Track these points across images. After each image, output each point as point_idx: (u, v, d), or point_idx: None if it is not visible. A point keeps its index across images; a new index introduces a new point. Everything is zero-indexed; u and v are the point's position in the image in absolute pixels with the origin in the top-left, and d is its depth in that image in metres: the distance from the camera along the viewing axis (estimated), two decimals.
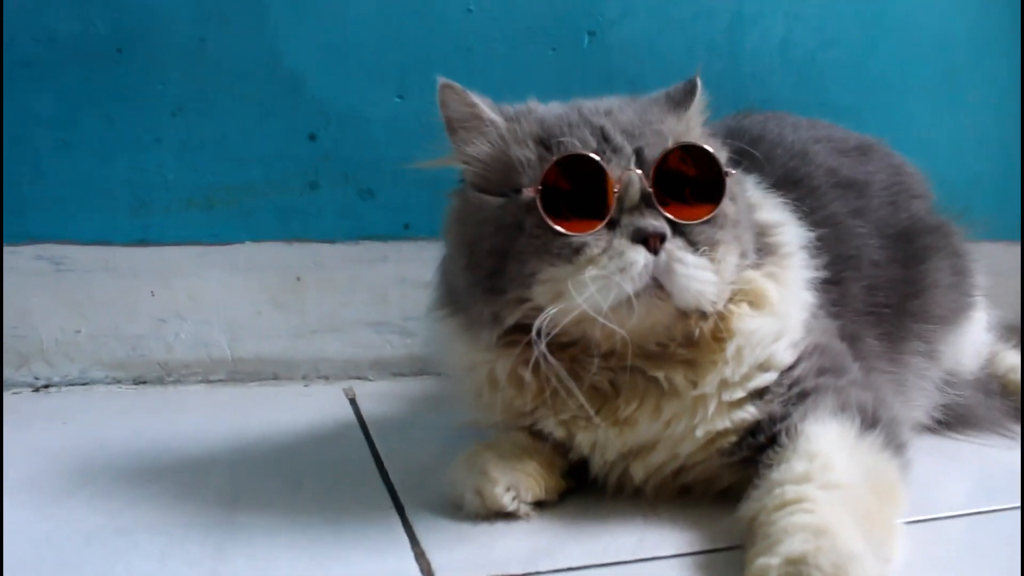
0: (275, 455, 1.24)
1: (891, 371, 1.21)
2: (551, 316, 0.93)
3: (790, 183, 1.23)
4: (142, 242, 1.54)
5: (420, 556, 0.92)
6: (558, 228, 0.93)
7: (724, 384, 1.00)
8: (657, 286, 0.93)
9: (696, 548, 0.94)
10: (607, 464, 1.04)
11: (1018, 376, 1.46)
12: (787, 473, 0.90)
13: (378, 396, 1.54)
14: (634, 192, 0.95)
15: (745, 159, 1.19)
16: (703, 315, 0.98)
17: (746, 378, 1.00)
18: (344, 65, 1.57)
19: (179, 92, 1.52)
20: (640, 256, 0.92)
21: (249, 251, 1.58)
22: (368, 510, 1.04)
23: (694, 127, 1.08)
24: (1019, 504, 1.05)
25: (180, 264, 1.55)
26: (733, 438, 1.00)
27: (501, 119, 1.03)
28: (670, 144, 0.97)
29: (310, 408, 1.47)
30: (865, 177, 1.33)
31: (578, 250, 0.93)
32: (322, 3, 1.55)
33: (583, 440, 1.03)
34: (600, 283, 0.91)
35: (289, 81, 1.56)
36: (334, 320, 1.61)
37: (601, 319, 0.92)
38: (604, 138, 0.98)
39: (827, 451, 0.92)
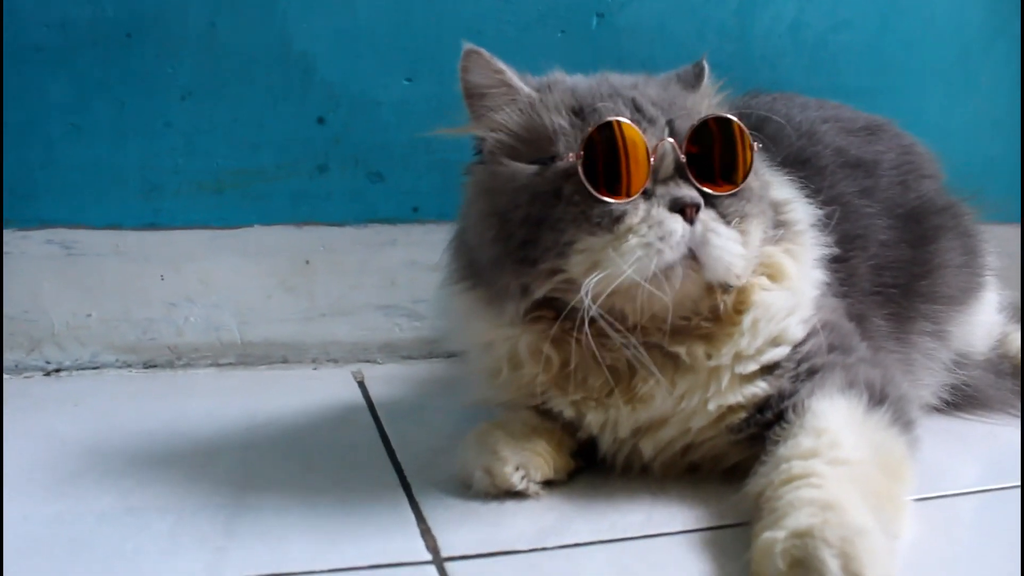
0: (284, 438, 1.25)
1: (898, 351, 1.21)
2: (592, 285, 0.92)
3: (798, 162, 1.23)
4: (152, 226, 1.54)
5: (426, 533, 0.93)
6: (600, 196, 0.93)
7: (738, 356, 1.00)
8: (691, 257, 0.94)
9: (703, 524, 0.94)
10: (617, 442, 1.05)
11: None
12: (794, 449, 0.91)
13: (387, 379, 1.54)
14: (669, 162, 0.97)
15: (759, 141, 1.20)
16: (727, 289, 0.99)
17: (760, 351, 1.01)
18: (354, 49, 1.57)
19: (189, 76, 1.52)
20: (678, 225, 0.93)
21: (259, 235, 1.58)
22: (376, 490, 1.05)
23: (710, 105, 1.09)
24: (1020, 483, 1.06)
25: (190, 248, 1.55)
26: (743, 414, 1.00)
27: (529, 87, 1.03)
28: (701, 115, 0.99)
29: (319, 391, 1.47)
30: (874, 157, 1.33)
31: (618, 219, 0.93)
32: None
33: (593, 420, 1.03)
34: (642, 251, 0.92)
35: (299, 65, 1.55)
36: (343, 303, 1.61)
37: (646, 285, 0.92)
38: (637, 108, 0.99)
39: (834, 427, 0.92)
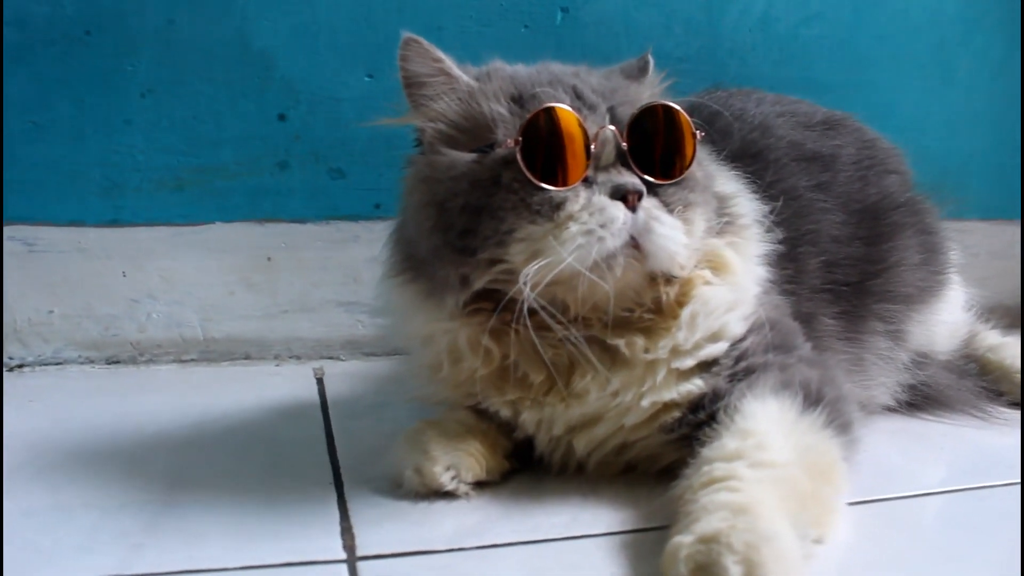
0: (230, 434, 1.25)
1: (848, 351, 1.19)
2: (532, 274, 0.91)
3: (748, 156, 1.21)
4: (114, 223, 1.55)
5: (346, 532, 0.93)
6: (539, 183, 0.92)
7: (676, 351, 0.99)
8: (633, 246, 0.93)
9: (628, 527, 0.93)
10: (552, 441, 1.04)
11: (997, 356, 1.43)
12: (718, 451, 0.89)
13: (347, 376, 1.55)
14: (610, 149, 0.96)
15: (704, 131, 1.19)
16: (671, 280, 0.98)
17: (697, 346, 0.99)
18: (314, 45, 1.57)
19: (149, 74, 1.53)
20: (620, 212, 0.92)
21: (220, 232, 1.58)
22: (307, 488, 1.05)
23: (653, 96, 1.08)
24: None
25: (152, 245, 1.56)
26: (677, 413, 0.99)
27: (468, 75, 1.02)
28: (642, 104, 0.98)
29: (278, 387, 1.48)
30: (831, 151, 1.31)
31: (558, 206, 0.92)
32: None
33: (528, 419, 1.02)
34: (583, 238, 0.90)
35: (258, 62, 1.56)
36: (305, 300, 1.61)
37: (587, 274, 0.90)
38: (577, 96, 0.99)
39: (763, 429, 0.91)
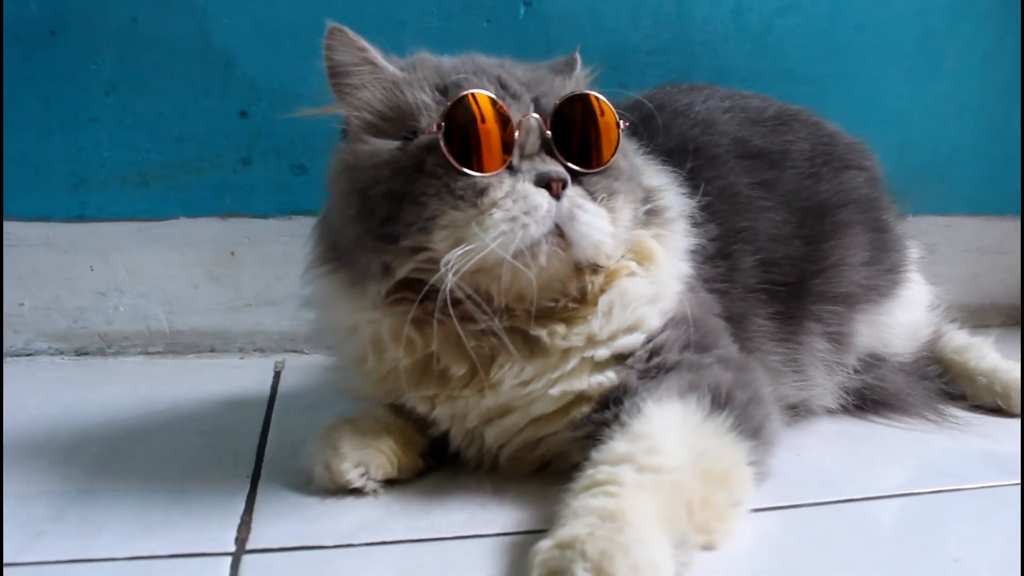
0: (172, 424, 1.28)
1: (782, 352, 1.17)
2: (455, 260, 0.90)
3: (686, 152, 1.19)
4: (80, 218, 1.59)
5: (244, 525, 0.94)
6: (462, 169, 0.93)
7: (591, 340, 0.98)
8: (558, 234, 0.93)
9: (523, 528, 0.93)
10: (467, 435, 1.04)
11: (961, 358, 1.39)
12: (607, 453, 0.89)
13: (307, 369, 1.57)
14: (534, 138, 0.97)
15: (643, 127, 1.17)
16: (596, 269, 0.98)
17: (612, 336, 0.99)
18: (274, 42, 1.58)
19: (113, 72, 1.56)
20: (544, 200, 0.92)
21: (184, 226, 1.61)
22: (223, 480, 1.06)
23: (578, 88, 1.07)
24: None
25: (118, 239, 1.60)
26: (586, 408, 0.98)
27: (394, 66, 1.03)
28: (565, 93, 0.98)
29: (237, 380, 1.51)
30: (781, 147, 1.28)
31: (482, 192, 0.93)
32: None
33: (442, 413, 1.02)
34: (507, 225, 0.91)
35: (220, 59, 1.58)
36: (269, 294, 1.63)
37: (511, 261, 0.91)
38: (502, 85, 0.99)
39: (656, 433, 0.90)
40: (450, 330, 0.96)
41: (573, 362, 0.98)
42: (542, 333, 0.98)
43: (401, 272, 0.96)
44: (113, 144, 1.58)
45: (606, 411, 0.97)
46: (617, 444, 0.89)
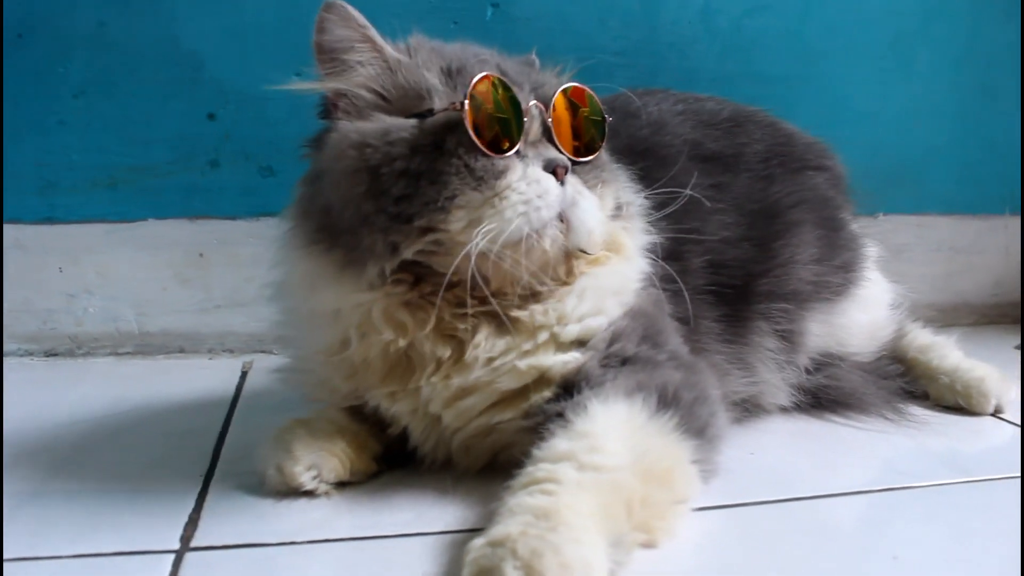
0: (132, 425, 1.29)
1: (728, 351, 1.17)
2: (481, 241, 0.91)
3: (635, 153, 1.19)
4: (50, 220, 1.60)
5: (191, 524, 0.95)
6: (485, 150, 0.94)
7: (561, 318, 1.00)
8: (560, 219, 0.95)
9: (466, 526, 0.93)
10: (426, 428, 1.03)
11: (924, 357, 1.39)
12: (548, 451, 0.89)
13: (274, 370, 1.57)
14: (537, 125, 0.99)
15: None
16: (580, 256, 1.01)
17: (581, 317, 1.00)
18: (242, 45, 1.59)
19: (81, 75, 1.57)
20: (553, 185, 0.95)
21: (153, 228, 1.62)
22: (177, 479, 1.07)
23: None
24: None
25: (87, 241, 1.61)
26: (546, 392, 0.99)
27: (393, 46, 1.02)
28: (564, 84, 1.01)
29: (204, 381, 1.51)
30: (734, 150, 1.29)
31: (500, 174, 0.94)
32: None
33: (402, 408, 1.02)
34: (523, 207, 0.92)
35: (188, 62, 1.59)
36: (238, 295, 1.64)
37: (532, 241, 0.93)
38: (503, 73, 1.00)
39: (599, 431, 0.90)
40: (441, 313, 0.97)
41: (543, 337, 0.99)
42: (523, 315, 0.99)
43: (408, 252, 0.95)
44: (82, 147, 1.59)
45: (560, 401, 0.98)
46: (559, 442, 0.89)
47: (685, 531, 0.91)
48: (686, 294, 1.13)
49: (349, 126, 0.98)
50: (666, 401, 0.96)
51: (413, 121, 0.96)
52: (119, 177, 1.60)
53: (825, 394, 1.29)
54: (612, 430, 0.90)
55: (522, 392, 0.99)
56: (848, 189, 1.42)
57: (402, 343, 0.99)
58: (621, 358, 1.00)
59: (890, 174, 1.84)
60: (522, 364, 0.98)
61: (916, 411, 1.31)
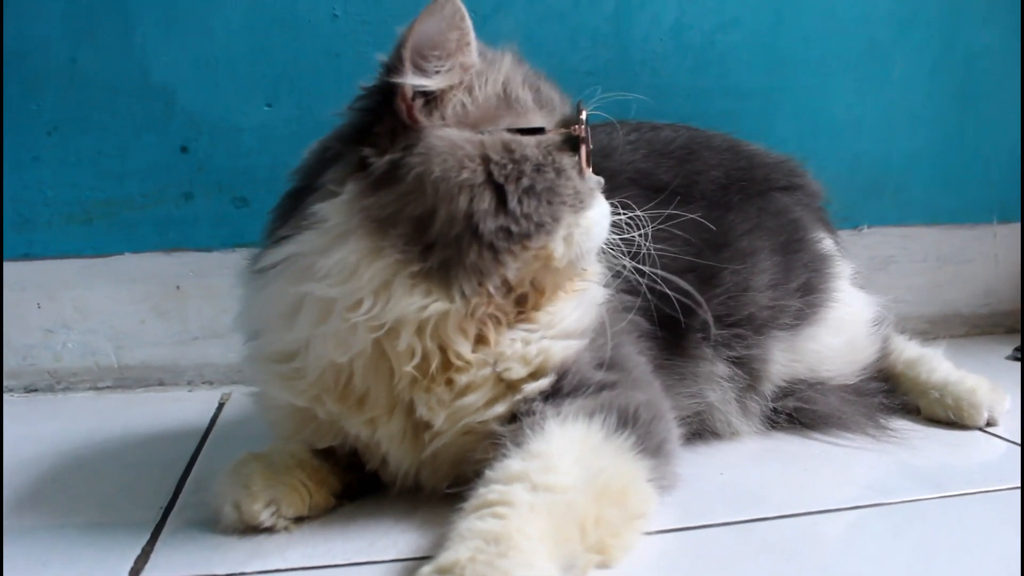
0: (99, 458, 1.28)
1: (668, 377, 1.15)
2: (581, 258, 0.99)
3: None
4: (26, 256, 1.61)
5: (142, 557, 0.94)
6: (591, 171, 1.00)
7: (562, 315, 1.02)
8: None
9: (419, 553, 0.92)
10: (406, 447, 1.01)
11: (912, 372, 1.37)
12: (501, 472, 0.88)
13: (251, 401, 1.56)
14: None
15: None
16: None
17: (578, 317, 1.03)
18: (213, 77, 1.60)
19: (54, 111, 1.58)
20: (607, 204, 1.02)
21: (129, 262, 1.62)
22: (135, 511, 1.06)
23: None
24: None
25: (64, 277, 1.61)
26: (544, 382, 0.98)
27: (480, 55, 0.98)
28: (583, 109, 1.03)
29: (181, 413, 1.50)
30: (687, 180, 1.28)
31: (592, 195, 1.00)
32: (188, 17, 1.58)
33: (384, 435, 0.99)
34: (600, 228, 1.00)
35: (160, 95, 1.60)
36: (215, 326, 1.64)
37: (606, 255, 1.04)
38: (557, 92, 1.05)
39: (554, 451, 0.89)
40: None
41: (551, 331, 1.01)
42: (537, 313, 1.01)
43: (513, 270, 0.95)
44: (56, 183, 1.60)
45: (538, 401, 0.97)
46: (512, 463, 0.88)
47: (641, 554, 0.90)
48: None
49: (458, 134, 0.93)
50: (625, 421, 0.95)
51: (531, 139, 0.95)
52: (94, 212, 1.61)
53: (800, 416, 1.27)
54: (567, 450, 0.89)
55: (516, 385, 0.98)
56: (822, 206, 1.40)
57: (469, 355, 0.97)
58: (588, 379, 1.00)
59: (872, 184, 1.82)
60: (532, 350, 0.99)
61: (900, 426, 1.28)
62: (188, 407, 1.55)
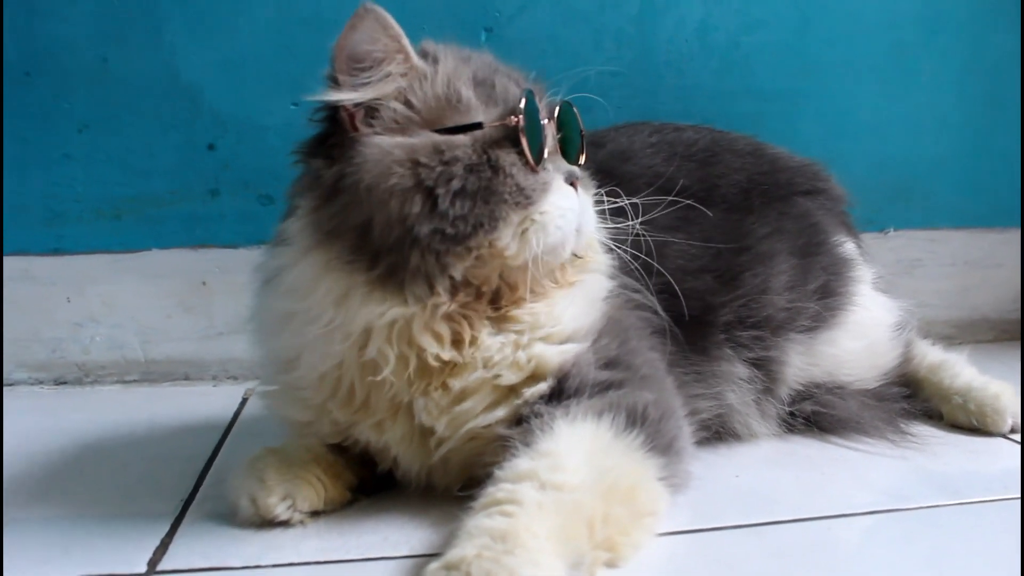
0: (124, 450, 1.31)
1: (687, 377, 1.15)
2: (534, 254, 0.94)
3: (597, 180, 1.17)
4: (56, 252, 1.64)
5: (161, 548, 0.96)
6: (536, 167, 0.96)
7: (556, 316, 1.01)
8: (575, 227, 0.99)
9: (431, 550, 0.93)
10: (415, 449, 1.01)
11: (935, 377, 1.35)
12: (510, 470, 0.89)
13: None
14: (551, 138, 1.01)
15: None
16: (575, 258, 1.03)
17: (574, 316, 1.02)
18: (239, 76, 1.62)
19: (85, 110, 1.61)
20: (575, 196, 0.99)
21: (156, 258, 1.65)
22: (158, 503, 1.08)
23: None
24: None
25: (93, 272, 1.64)
26: (542, 386, 0.98)
27: (419, 56, 0.98)
28: (558, 99, 1.03)
29: (206, 407, 1.53)
30: (707, 184, 1.27)
31: (545, 189, 0.96)
32: (215, 18, 1.61)
33: (394, 435, 1.00)
34: (561, 220, 0.96)
35: (187, 95, 1.62)
36: (240, 322, 1.61)
37: (568, 252, 0.99)
38: (517, 85, 1.02)
39: (563, 450, 0.90)
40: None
41: (540, 332, 0.99)
42: (522, 313, 1.00)
43: (459, 271, 0.94)
44: (86, 180, 1.63)
45: (542, 403, 0.97)
46: (521, 461, 0.89)
47: (650, 555, 0.90)
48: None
49: (389, 140, 0.94)
50: (634, 419, 0.95)
51: (464, 138, 0.94)
52: (123, 208, 1.64)
53: (819, 419, 1.26)
54: (575, 449, 0.90)
55: (515, 389, 0.98)
56: (845, 210, 1.39)
57: (446, 355, 0.96)
58: (593, 379, 0.99)
59: (898, 188, 1.80)
60: (522, 356, 0.98)
61: (921, 431, 1.27)
62: (212, 401, 1.57)
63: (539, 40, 1.67)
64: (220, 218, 1.65)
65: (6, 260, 1.64)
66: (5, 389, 1.65)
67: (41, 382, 1.67)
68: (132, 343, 1.67)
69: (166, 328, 1.67)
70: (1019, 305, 1.88)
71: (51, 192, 1.63)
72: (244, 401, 1.56)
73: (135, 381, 1.68)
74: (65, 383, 1.67)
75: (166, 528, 1.01)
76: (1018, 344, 1.82)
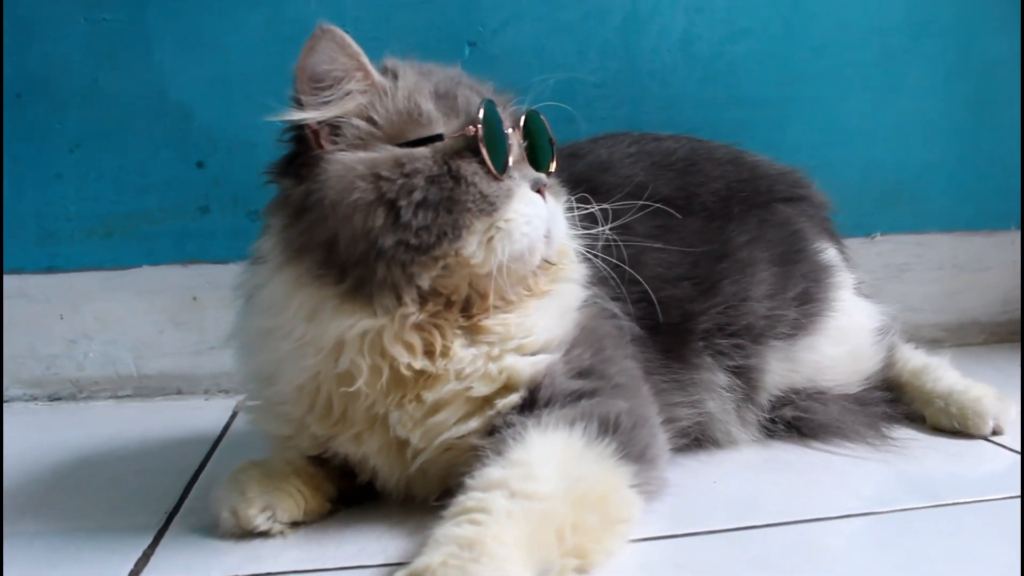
0: (112, 464, 1.32)
1: (665, 384, 1.15)
2: (498, 263, 0.95)
3: (574, 190, 1.17)
4: (50, 269, 1.66)
5: (143, 560, 0.97)
6: (498, 175, 0.97)
7: (528, 327, 1.01)
8: (543, 233, 0.99)
9: (406, 558, 0.93)
10: (393, 460, 1.02)
11: (918, 381, 1.35)
12: (481, 479, 0.89)
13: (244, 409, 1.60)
14: (517, 146, 1.02)
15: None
16: (545, 265, 1.04)
17: (546, 327, 1.02)
18: (228, 94, 1.65)
19: (77, 130, 1.64)
20: (542, 203, 0.99)
21: (148, 274, 1.67)
22: (143, 516, 1.09)
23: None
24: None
25: (86, 289, 1.67)
26: (514, 397, 0.98)
27: (380, 73, 1.01)
28: (525, 108, 1.04)
29: (197, 420, 1.54)
30: (687, 193, 1.28)
31: (508, 197, 0.97)
32: (205, 38, 1.63)
33: (371, 447, 1.02)
34: (526, 227, 0.96)
35: (177, 113, 1.65)
36: None
37: (536, 260, 0.99)
38: (479, 96, 1.02)
39: (534, 459, 0.90)
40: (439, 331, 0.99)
41: (512, 343, 1.00)
42: (494, 323, 1.01)
43: (426, 281, 0.95)
44: (79, 198, 1.66)
45: (515, 414, 0.98)
46: (492, 470, 0.90)
47: (622, 562, 0.90)
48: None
49: (351, 156, 0.96)
50: (606, 428, 0.96)
51: (425, 150, 0.96)
52: (114, 226, 1.66)
53: (800, 425, 1.26)
54: (547, 458, 0.90)
55: (488, 400, 0.99)
56: (827, 217, 1.40)
57: (418, 364, 0.97)
58: (566, 389, 1.00)
59: (886, 193, 1.81)
60: (494, 368, 0.99)
61: (903, 435, 1.27)
62: (204, 415, 1.59)
63: (523, 53, 1.68)
64: (211, 234, 1.67)
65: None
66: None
67: (36, 398, 1.69)
68: (125, 359, 1.69)
69: (158, 343, 1.69)
70: (1007, 308, 1.88)
71: (44, 211, 1.66)
72: (235, 414, 1.57)
73: (128, 396, 1.69)
74: (60, 399, 1.69)
75: (149, 540, 1.02)
76: (1007, 347, 1.82)
